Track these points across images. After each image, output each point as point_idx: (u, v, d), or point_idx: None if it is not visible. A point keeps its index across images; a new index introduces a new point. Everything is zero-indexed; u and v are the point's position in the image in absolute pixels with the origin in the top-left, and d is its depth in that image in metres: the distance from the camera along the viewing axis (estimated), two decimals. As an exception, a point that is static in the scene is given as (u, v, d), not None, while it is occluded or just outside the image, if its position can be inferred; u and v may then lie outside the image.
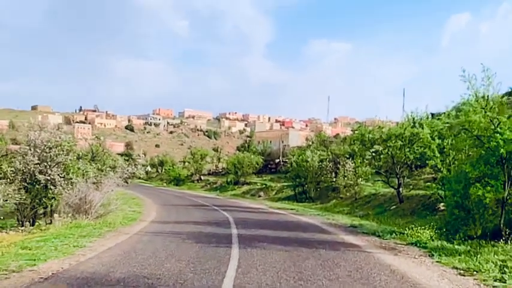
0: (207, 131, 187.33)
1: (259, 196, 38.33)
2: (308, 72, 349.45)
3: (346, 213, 24.36)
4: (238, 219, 17.46)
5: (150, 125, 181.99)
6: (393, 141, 20.77)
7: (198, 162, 59.71)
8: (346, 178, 28.27)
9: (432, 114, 23.00)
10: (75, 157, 22.12)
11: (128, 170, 26.19)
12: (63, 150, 17.57)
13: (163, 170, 66.05)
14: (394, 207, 22.18)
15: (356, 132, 35.91)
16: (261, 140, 65.35)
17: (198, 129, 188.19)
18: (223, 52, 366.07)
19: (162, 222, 16.00)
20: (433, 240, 11.35)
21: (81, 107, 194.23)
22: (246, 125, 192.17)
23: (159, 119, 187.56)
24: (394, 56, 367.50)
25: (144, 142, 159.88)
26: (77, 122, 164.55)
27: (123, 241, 11.12)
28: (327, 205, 29.64)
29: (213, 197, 35.72)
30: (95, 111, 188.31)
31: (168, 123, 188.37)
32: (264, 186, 40.89)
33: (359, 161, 29.46)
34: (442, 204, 18.57)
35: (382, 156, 21.84)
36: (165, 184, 57.97)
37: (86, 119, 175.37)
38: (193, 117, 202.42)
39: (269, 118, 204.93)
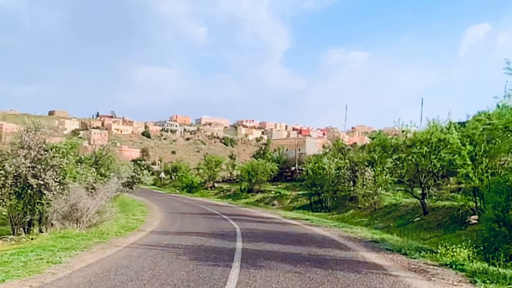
0: (223, 138, 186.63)
1: (273, 205, 36.68)
2: (326, 81, 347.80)
3: (365, 224, 22.60)
4: (247, 230, 15.90)
5: (167, 131, 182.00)
6: (418, 148, 18.96)
7: (211, 169, 58.37)
8: (365, 187, 26.42)
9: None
10: (74, 161, 20.98)
11: (133, 176, 25.07)
12: (58, 153, 16.33)
13: (177, 177, 64.82)
14: (418, 219, 20.32)
15: (375, 139, 34.25)
16: (276, 147, 63.72)
17: (214, 137, 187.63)
18: (240, 59, 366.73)
19: (161, 233, 14.53)
20: (471, 260, 9.58)
21: (98, 113, 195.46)
22: (263, 132, 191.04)
23: (176, 126, 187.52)
24: (412, 65, 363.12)
25: (160, 149, 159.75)
26: (94, 128, 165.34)
27: (108, 256, 9.66)
28: (344, 215, 27.87)
29: (224, 205, 34.20)
30: (112, 117, 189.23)
31: (184, 129, 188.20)
32: (278, 194, 39.19)
33: (379, 169, 27.67)
34: (473, 217, 16.73)
35: (405, 163, 20.00)
36: (178, 191, 56.68)
37: (102, 124, 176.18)
38: (210, 124, 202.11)
39: (286, 126, 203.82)
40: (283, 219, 22.83)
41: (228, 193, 48.48)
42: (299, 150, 58.92)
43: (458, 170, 15.69)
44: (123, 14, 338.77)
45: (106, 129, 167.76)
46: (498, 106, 14.54)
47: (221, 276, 7.50)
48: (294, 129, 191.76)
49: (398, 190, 31.60)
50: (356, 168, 31.89)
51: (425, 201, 20.24)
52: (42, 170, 15.36)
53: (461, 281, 7.98)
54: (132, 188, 25.23)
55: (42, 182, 14.99)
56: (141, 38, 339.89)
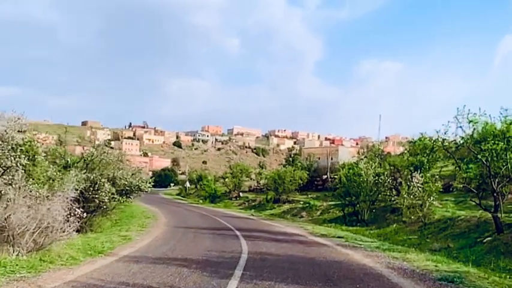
0: (255, 148, 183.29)
1: (301, 217, 32.05)
2: (358, 91, 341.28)
3: (414, 244, 17.76)
4: (256, 255, 11.53)
5: (198, 141, 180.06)
6: (491, 143, 14.08)
7: (237, 178, 54.29)
8: (412, 196, 21.45)
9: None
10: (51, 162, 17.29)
11: (131, 183, 21.17)
12: (15, 151, 12.58)
13: (201, 186, 61.02)
14: (489, 238, 15.29)
15: (417, 142, 29.22)
16: (307, 155, 59.00)
17: (246, 147, 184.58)
18: (273, 70, 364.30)
19: (133, 260, 10.32)
20: None
21: (130, 124, 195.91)
22: (295, 142, 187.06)
23: (207, 136, 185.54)
24: (446, 75, 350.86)
25: (191, 158, 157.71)
26: (126, 138, 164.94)
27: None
28: (385, 231, 22.98)
29: (245, 218, 29.82)
30: (144, 127, 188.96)
31: (216, 140, 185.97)
32: (307, 205, 34.50)
33: (428, 174, 22.79)
34: None
35: (472, 166, 15.08)
36: (201, 201, 52.74)
37: (134, 135, 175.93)
38: (241, 134, 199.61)
39: (318, 136, 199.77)
40: (310, 236, 18.26)
41: (253, 203, 44.17)
42: (331, 159, 54.13)
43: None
44: (157, 26, 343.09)
45: (137, 139, 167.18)
46: None
47: None
48: (326, 139, 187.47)
49: (446, 200, 26.56)
50: (399, 174, 27.01)
51: (499, 215, 15.22)
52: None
53: None
54: (129, 197, 21.28)
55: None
56: (175, 49, 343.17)
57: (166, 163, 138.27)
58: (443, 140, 16.25)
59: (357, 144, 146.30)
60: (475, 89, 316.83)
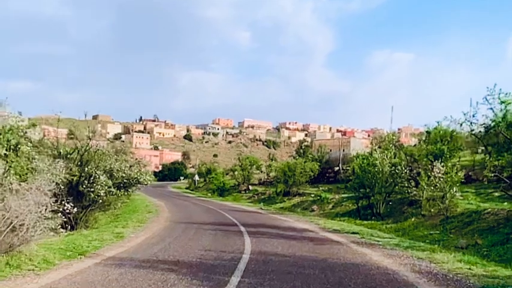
0: (266, 141, 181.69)
1: (312, 210, 30.47)
2: (370, 82, 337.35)
3: (437, 240, 16.15)
4: (260, 256, 10.05)
5: (209, 134, 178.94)
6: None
7: (246, 171, 52.81)
8: (433, 188, 19.72)
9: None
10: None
11: (129, 176, 19.82)
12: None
13: (210, 179, 59.68)
14: (523, 234, 13.66)
15: (435, 130, 27.47)
16: (318, 147, 57.28)
17: (257, 139, 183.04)
18: (284, 62, 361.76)
19: (117, 263, 8.91)
20: None
21: (141, 117, 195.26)
22: (306, 135, 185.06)
23: (218, 129, 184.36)
24: (457, 66, 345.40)
25: (202, 152, 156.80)
26: (136, 132, 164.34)
27: None
28: (403, 225, 21.32)
29: (253, 211, 28.33)
30: (154, 120, 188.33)
31: (226, 132, 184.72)
32: (318, 198, 32.90)
33: (449, 164, 21.06)
34: None
35: (505, 154, 13.32)
36: (209, 194, 51.39)
37: (144, 128, 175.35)
38: (252, 127, 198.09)
39: (330, 128, 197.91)
40: (322, 231, 16.72)
41: (263, 196, 42.67)
42: (343, 150, 52.38)
43: None
44: (167, 19, 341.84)
45: (148, 132, 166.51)
46: None
47: None
48: (338, 130, 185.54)
49: (466, 192, 24.81)
50: (416, 164, 25.28)
51: (535, 208, 13.53)
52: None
53: None
54: (128, 190, 19.93)
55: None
56: (185, 43, 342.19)
57: (176, 156, 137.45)
58: (471, 123, 14.54)
59: (368, 136, 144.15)
60: (488, 80, 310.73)
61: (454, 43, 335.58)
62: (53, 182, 10.51)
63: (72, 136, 23.37)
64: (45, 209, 10.25)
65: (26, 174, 12.77)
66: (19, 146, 13.31)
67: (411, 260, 9.83)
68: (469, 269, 8.75)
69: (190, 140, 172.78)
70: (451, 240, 16.14)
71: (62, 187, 15.61)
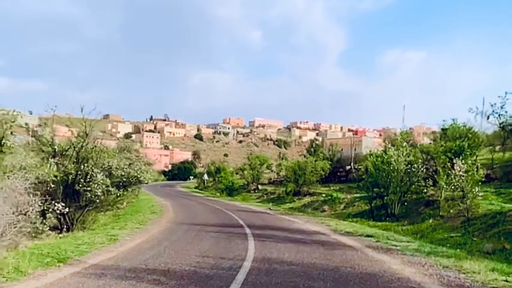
0: (276, 141, 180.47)
1: (323, 211, 29.20)
2: (382, 81, 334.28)
3: (459, 244, 14.84)
4: (264, 263, 8.87)
5: (219, 134, 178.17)
6: None
7: (255, 170, 51.64)
8: (453, 187, 18.34)
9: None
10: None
11: (129, 174, 18.76)
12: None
13: (219, 179, 58.61)
14: (558, 239, 12.28)
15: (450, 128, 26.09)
16: (330, 145, 55.92)
17: (267, 139, 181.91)
18: (295, 61, 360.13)
19: (98, 273, 7.79)
20: None
21: (152, 117, 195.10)
22: (317, 134, 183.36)
23: (229, 128, 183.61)
24: (469, 65, 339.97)
25: (212, 151, 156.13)
26: (146, 131, 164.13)
27: None
28: (420, 227, 19.96)
29: (261, 212, 27.12)
30: (165, 120, 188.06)
31: (237, 132, 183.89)
32: (329, 198, 31.61)
33: (469, 161, 19.68)
34: None
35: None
36: (218, 194, 50.33)
37: (155, 128, 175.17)
38: (263, 126, 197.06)
39: (341, 127, 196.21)
40: (333, 234, 15.47)
41: (272, 196, 41.49)
42: (355, 149, 51.01)
43: None
44: (178, 18, 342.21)
45: (158, 132, 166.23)
46: None
47: None
48: (349, 130, 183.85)
49: (486, 191, 23.35)
50: (433, 162, 23.88)
51: None
52: None
53: None
54: (127, 190, 18.86)
55: None
56: (196, 42, 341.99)
57: (187, 156, 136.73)
58: (499, 115, 13.19)
59: (380, 135, 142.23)
60: (500, 79, 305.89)
61: (466, 41, 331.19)
62: (27, 180, 9.37)
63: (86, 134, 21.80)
64: (25, 211, 9.23)
65: (12, 171, 11.77)
66: (4, 142, 12.33)
67: (436, 270, 8.56)
68: (506, 281, 7.47)
69: (200, 139, 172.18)
70: (474, 244, 14.79)
71: (53, 186, 14.62)
